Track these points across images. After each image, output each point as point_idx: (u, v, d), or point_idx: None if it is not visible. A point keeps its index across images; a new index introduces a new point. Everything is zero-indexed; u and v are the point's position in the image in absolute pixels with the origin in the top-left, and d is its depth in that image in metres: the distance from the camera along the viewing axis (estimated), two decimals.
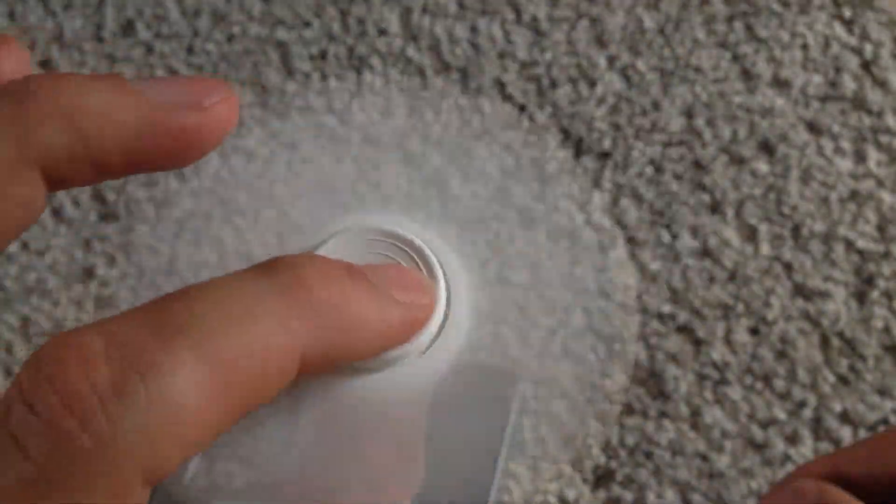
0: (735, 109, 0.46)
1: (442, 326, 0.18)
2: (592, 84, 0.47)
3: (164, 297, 0.13)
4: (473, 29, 0.49)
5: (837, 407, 0.40)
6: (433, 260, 0.18)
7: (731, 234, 0.44)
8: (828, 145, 0.45)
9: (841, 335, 0.42)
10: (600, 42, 0.48)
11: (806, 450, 0.40)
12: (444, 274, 0.19)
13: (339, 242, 0.18)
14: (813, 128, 0.46)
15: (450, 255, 0.19)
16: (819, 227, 0.44)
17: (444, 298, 0.18)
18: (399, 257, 0.18)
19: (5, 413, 0.11)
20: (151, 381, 0.12)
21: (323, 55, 0.49)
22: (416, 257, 0.18)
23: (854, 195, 0.44)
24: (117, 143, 0.15)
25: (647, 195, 0.45)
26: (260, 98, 0.49)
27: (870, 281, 0.42)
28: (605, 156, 0.46)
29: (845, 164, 0.45)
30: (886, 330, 0.41)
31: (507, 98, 0.48)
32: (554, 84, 0.48)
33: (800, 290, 0.43)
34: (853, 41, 0.47)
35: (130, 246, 0.46)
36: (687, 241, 0.44)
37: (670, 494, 0.39)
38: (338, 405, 0.17)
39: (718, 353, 0.42)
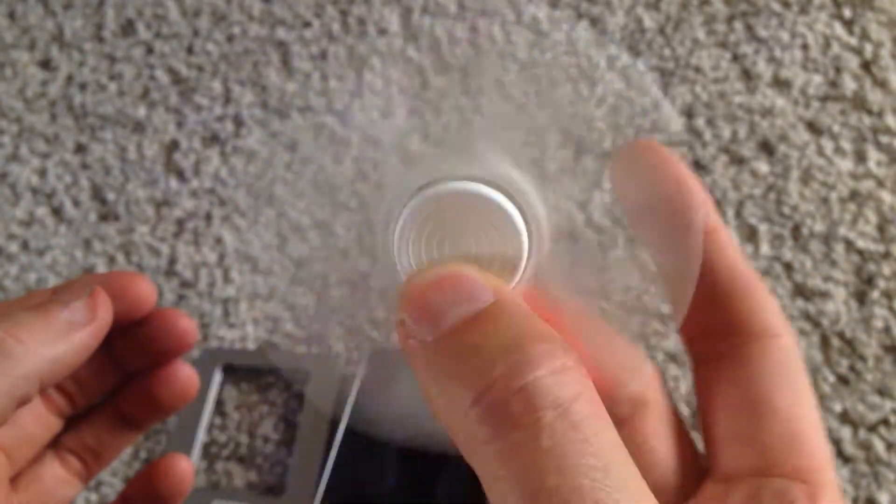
0: (735, 109, 0.46)
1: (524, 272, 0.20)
2: (592, 84, 0.47)
3: None
4: (473, 29, 0.49)
5: (837, 407, 0.40)
6: (514, 214, 0.20)
7: (731, 234, 0.44)
8: (828, 145, 0.45)
9: (841, 335, 0.42)
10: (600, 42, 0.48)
11: None
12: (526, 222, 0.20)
13: (424, 201, 0.19)
14: (813, 128, 0.46)
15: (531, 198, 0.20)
16: (819, 227, 0.44)
17: (525, 251, 0.20)
18: (483, 215, 0.20)
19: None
20: None
21: (323, 55, 0.49)
22: (497, 214, 0.20)
23: (854, 195, 0.44)
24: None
25: None
26: (260, 98, 0.49)
27: (870, 281, 0.42)
28: (605, 156, 0.46)
29: (845, 164, 0.45)
30: (886, 330, 0.41)
31: (507, 98, 0.48)
32: (554, 84, 0.48)
33: (800, 290, 0.42)
34: (853, 41, 0.47)
35: (130, 246, 0.46)
36: None
37: None
38: None
39: None
